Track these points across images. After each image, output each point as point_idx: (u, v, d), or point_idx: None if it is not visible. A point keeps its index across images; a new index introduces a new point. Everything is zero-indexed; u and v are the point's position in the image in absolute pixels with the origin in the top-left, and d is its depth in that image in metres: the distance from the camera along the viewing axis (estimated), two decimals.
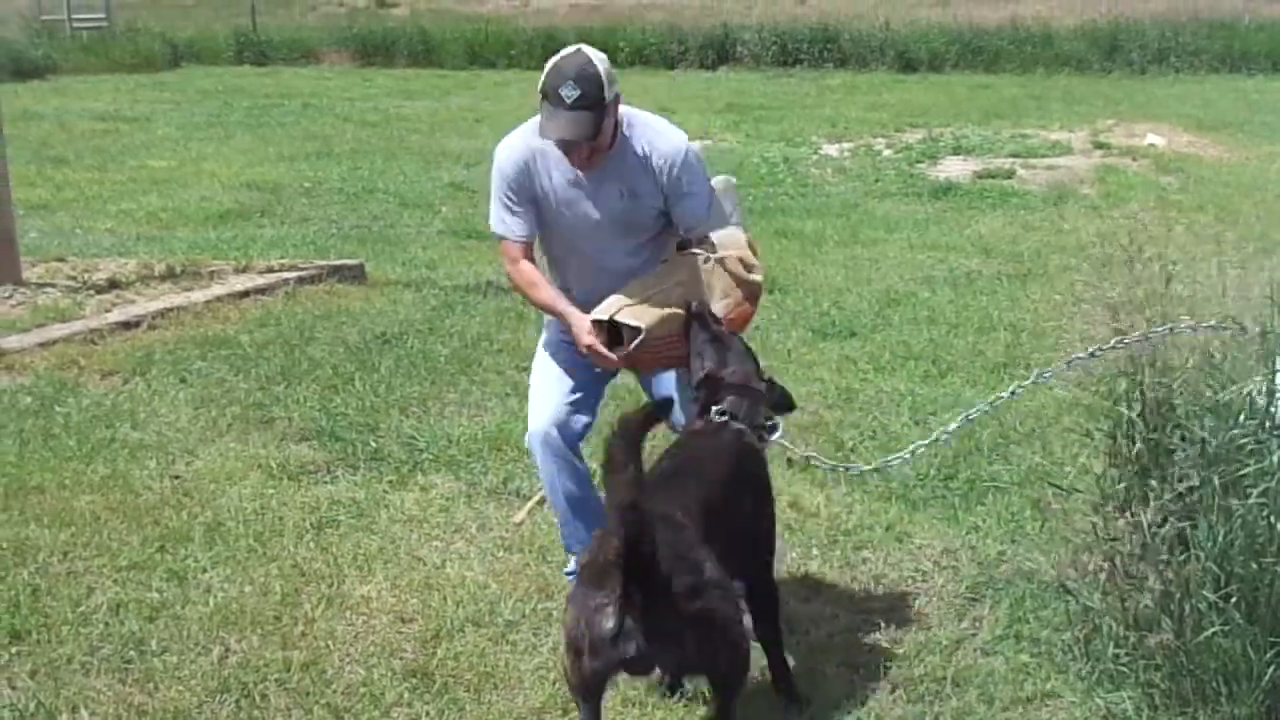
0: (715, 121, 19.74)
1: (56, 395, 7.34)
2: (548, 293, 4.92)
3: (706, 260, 4.83)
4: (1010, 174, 15.39)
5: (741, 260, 4.92)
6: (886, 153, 17.13)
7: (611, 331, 4.74)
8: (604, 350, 4.75)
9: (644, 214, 4.93)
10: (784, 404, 4.82)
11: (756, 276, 4.99)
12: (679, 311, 4.71)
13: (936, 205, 14.00)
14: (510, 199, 4.85)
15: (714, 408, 4.54)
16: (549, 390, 5.02)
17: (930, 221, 13.12)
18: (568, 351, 4.98)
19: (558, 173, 4.79)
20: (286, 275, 9.89)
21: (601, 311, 4.75)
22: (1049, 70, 26.95)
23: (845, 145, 17.73)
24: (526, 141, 4.81)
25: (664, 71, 28.55)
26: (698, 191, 4.95)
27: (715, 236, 4.94)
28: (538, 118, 4.70)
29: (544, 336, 5.18)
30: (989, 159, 16.51)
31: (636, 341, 4.67)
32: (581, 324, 4.76)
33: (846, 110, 21.15)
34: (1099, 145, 17.37)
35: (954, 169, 15.94)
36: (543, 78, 4.64)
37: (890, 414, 7.44)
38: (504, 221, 4.91)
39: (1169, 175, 15.34)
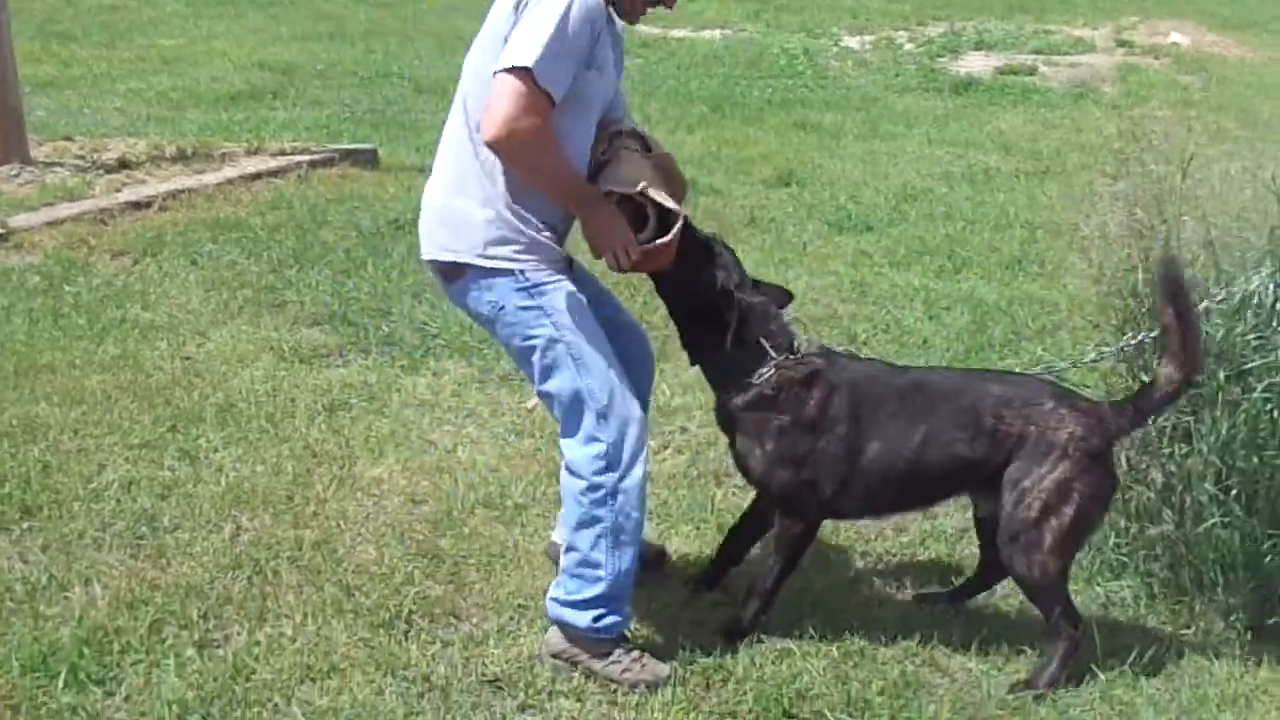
0: (735, 10, 19.52)
1: (66, 275, 7.34)
2: (565, 161, 3.87)
3: (647, 157, 4.08)
4: (1032, 70, 15.25)
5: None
6: (908, 46, 16.97)
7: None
8: (651, 243, 3.96)
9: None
10: (782, 300, 4.47)
11: (684, 174, 4.32)
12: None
13: (957, 101, 13.90)
14: (571, 53, 3.73)
15: (787, 339, 4.22)
16: (617, 369, 4.01)
17: (950, 117, 13.03)
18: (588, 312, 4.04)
19: (607, 32, 3.90)
20: (299, 158, 9.84)
21: (623, 185, 3.94)
22: None
23: (866, 38, 17.56)
24: None
25: None
26: None
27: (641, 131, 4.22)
28: None
29: (548, 288, 3.95)
30: (1011, 55, 16.37)
31: (674, 231, 3.97)
32: (612, 208, 3.92)
33: (868, 2, 20.89)
34: (1122, 43, 17.20)
35: (975, 64, 15.80)
36: None
37: (904, 308, 7.45)
38: (556, 75, 3.70)
39: (1191, 75, 15.19)
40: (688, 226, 4.08)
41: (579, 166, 3.93)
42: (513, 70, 3.67)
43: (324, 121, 11.79)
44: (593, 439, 3.91)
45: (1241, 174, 4.76)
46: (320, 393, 5.98)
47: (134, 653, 3.97)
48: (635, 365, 4.24)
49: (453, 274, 4.00)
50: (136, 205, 8.60)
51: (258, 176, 9.43)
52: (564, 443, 4.01)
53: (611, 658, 4.00)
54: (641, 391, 4.24)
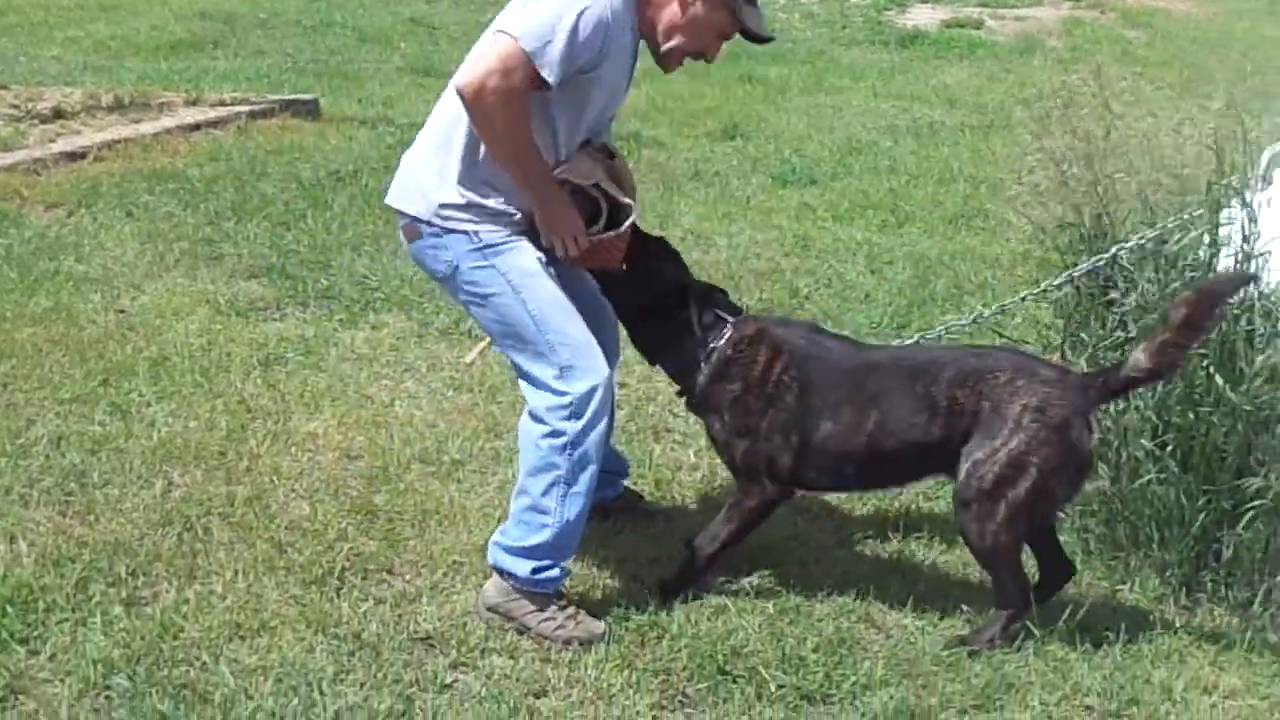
0: None
1: None
2: (532, 142, 3.85)
3: (612, 157, 4.14)
4: (979, 24, 15.25)
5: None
6: None
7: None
8: (602, 235, 4.00)
9: None
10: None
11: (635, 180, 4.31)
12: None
13: (903, 54, 13.90)
14: (573, 51, 3.72)
15: (720, 313, 4.25)
16: (580, 323, 3.99)
17: (896, 71, 13.02)
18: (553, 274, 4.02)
19: (617, 49, 3.87)
20: (239, 109, 9.72)
21: (580, 176, 3.98)
22: None
23: None
24: (620, 3, 3.85)
25: None
26: None
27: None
28: None
29: (502, 249, 3.94)
30: (958, 8, 16.36)
31: (627, 223, 4.02)
32: (566, 197, 3.94)
33: None
34: None
35: (922, 17, 15.78)
36: None
37: (847, 262, 7.44)
38: (547, 60, 3.69)
39: (1136, 29, 15.23)
40: (636, 229, 4.12)
41: (546, 155, 3.91)
42: (508, 32, 3.72)
43: (265, 71, 11.65)
44: (556, 391, 3.91)
45: (1179, 127, 4.75)
46: (256, 347, 5.91)
47: (59, 611, 3.90)
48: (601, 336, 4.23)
49: (411, 233, 4.03)
50: (71, 156, 8.48)
51: (196, 127, 9.32)
52: (527, 392, 4.01)
53: (546, 614, 3.98)
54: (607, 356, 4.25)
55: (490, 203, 3.92)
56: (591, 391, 3.90)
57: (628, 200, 4.01)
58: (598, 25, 3.75)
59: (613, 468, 4.67)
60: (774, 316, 4.38)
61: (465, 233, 3.91)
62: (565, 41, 3.71)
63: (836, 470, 4.17)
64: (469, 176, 3.91)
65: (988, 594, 4.18)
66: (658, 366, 4.42)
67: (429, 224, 3.95)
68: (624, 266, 4.17)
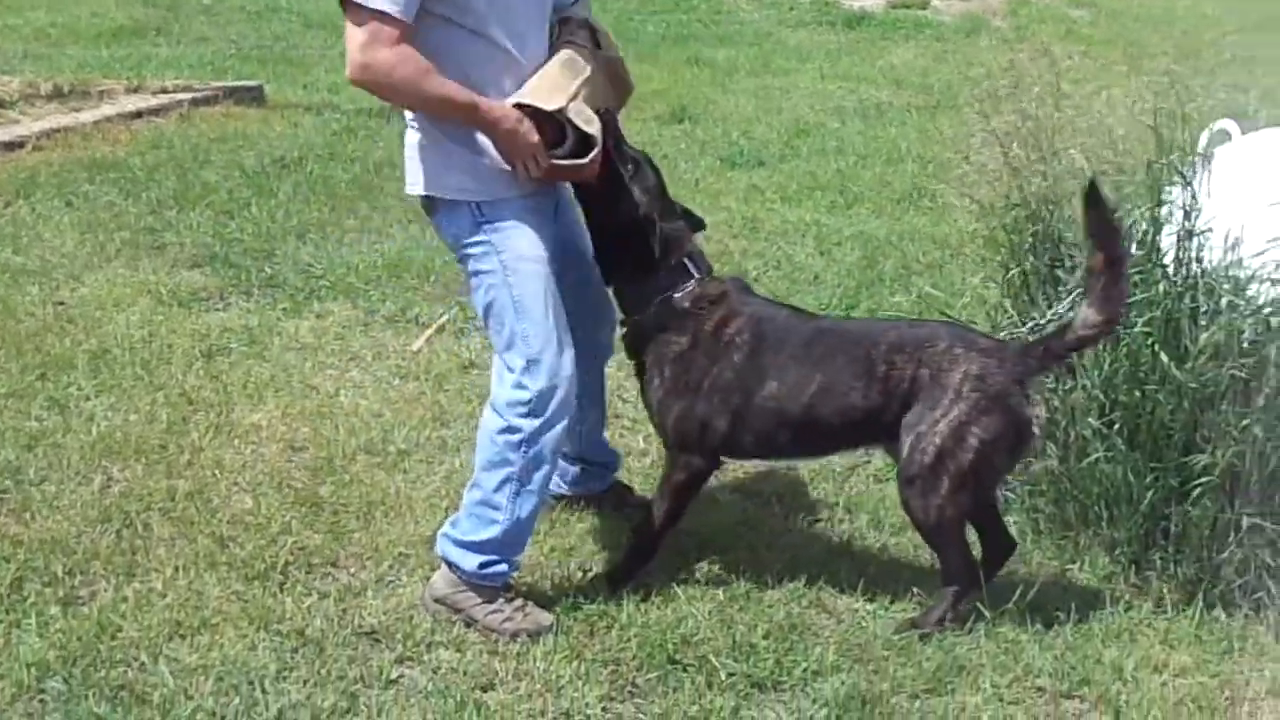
0: None
1: None
2: (445, 82, 3.69)
3: (596, 57, 3.96)
4: (924, 4, 15.27)
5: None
6: None
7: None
8: (561, 159, 3.84)
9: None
10: (697, 225, 4.39)
11: (631, 79, 4.25)
12: (599, 124, 3.91)
13: (849, 35, 13.88)
14: None
15: (707, 265, 4.20)
16: (559, 322, 3.95)
17: (842, 52, 13.02)
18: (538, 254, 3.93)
19: None
20: (181, 96, 9.62)
21: (541, 100, 3.77)
22: None
23: None
24: None
25: None
26: None
27: (597, 25, 4.08)
28: None
29: (501, 226, 3.88)
30: None
31: (591, 155, 3.86)
32: (514, 118, 3.74)
33: None
34: None
35: None
36: None
37: (795, 244, 7.42)
38: None
39: (1080, 8, 15.29)
40: (618, 142, 4.02)
41: (469, 67, 3.76)
42: (347, 6, 3.64)
43: (209, 58, 11.54)
44: (519, 385, 3.86)
45: (1121, 106, 4.74)
46: (199, 337, 5.84)
47: None
48: (590, 330, 4.23)
49: (429, 208, 4.01)
50: (9, 145, 8.37)
51: (138, 115, 9.21)
52: (493, 381, 3.98)
53: (493, 606, 3.93)
54: (592, 347, 4.28)
55: (481, 156, 3.81)
56: (552, 390, 3.86)
57: (591, 130, 3.83)
58: None
59: (602, 459, 4.66)
60: (738, 280, 4.28)
61: (467, 204, 3.86)
62: None
63: (772, 436, 4.09)
64: (448, 139, 3.83)
65: (938, 575, 4.16)
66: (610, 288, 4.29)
67: (431, 198, 3.94)
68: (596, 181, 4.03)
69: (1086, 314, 3.87)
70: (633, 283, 4.16)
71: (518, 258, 3.87)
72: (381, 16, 3.59)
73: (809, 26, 14.23)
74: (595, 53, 3.96)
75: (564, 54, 3.90)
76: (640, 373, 4.21)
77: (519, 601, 3.97)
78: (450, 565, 3.97)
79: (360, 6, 3.60)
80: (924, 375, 3.93)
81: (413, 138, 3.94)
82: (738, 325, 4.06)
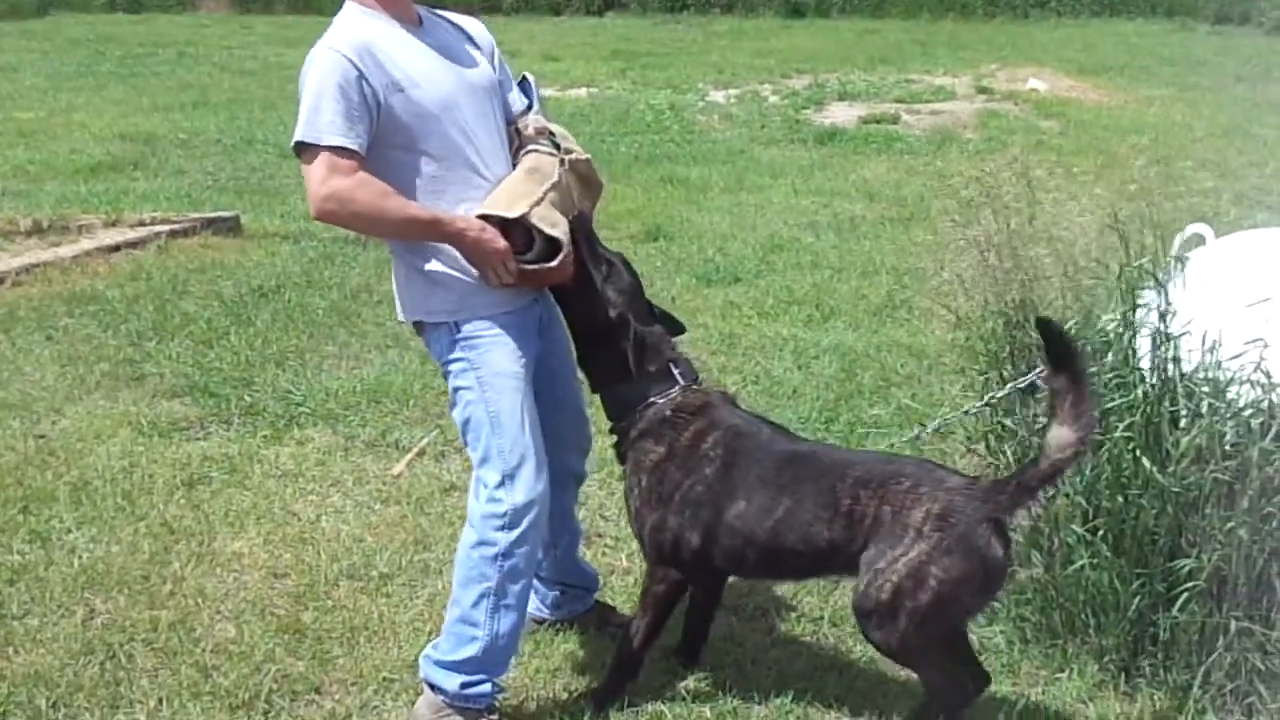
0: (601, 69, 19.65)
1: None
2: (407, 202, 3.79)
3: (563, 162, 4.02)
4: (895, 119, 15.46)
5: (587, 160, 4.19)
6: (773, 99, 17.13)
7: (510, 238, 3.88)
8: (532, 264, 3.88)
9: (500, 87, 4.13)
10: (676, 329, 4.36)
11: (602, 177, 4.31)
12: (566, 226, 3.96)
13: (822, 151, 14.03)
14: (354, 99, 3.70)
15: (676, 371, 4.14)
16: (535, 438, 3.97)
17: (815, 167, 13.15)
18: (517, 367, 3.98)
19: (402, 50, 3.83)
20: (159, 229, 9.66)
21: (502, 209, 3.85)
22: (934, 15, 27.19)
23: (732, 92, 17.71)
24: (351, 39, 3.77)
25: (549, 17, 28.40)
26: (511, 75, 4.26)
27: (554, 129, 4.15)
28: (338, 20, 3.87)
29: (478, 343, 3.95)
30: (874, 104, 16.59)
31: (560, 257, 3.89)
32: (477, 228, 3.82)
33: (733, 57, 21.12)
34: (982, 90, 17.54)
35: (839, 115, 15.98)
36: None
37: (773, 358, 7.45)
38: (347, 127, 3.68)
39: (1050, 119, 15.51)
40: (591, 243, 4.05)
41: (436, 192, 3.85)
42: (297, 148, 3.73)
43: (186, 190, 11.61)
44: (494, 499, 3.88)
45: (1092, 212, 4.80)
46: (179, 467, 5.83)
47: None
48: (563, 452, 4.25)
49: (418, 330, 4.07)
50: None
51: (116, 248, 9.24)
52: (470, 496, 4.00)
53: None
54: (565, 470, 4.30)
55: (458, 275, 3.88)
56: (529, 505, 3.88)
57: (556, 233, 3.86)
58: (345, 69, 3.70)
59: (580, 582, 4.65)
60: (724, 392, 4.26)
61: (446, 324, 3.93)
62: (335, 107, 3.68)
63: (739, 554, 4.03)
64: (424, 263, 3.90)
65: (916, 692, 4.13)
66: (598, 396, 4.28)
67: (417, 324, 4.02)
68: (571, 284, 4.05)
69: (1058, 434, 3.73)
70: (615, 388, 4.15)
71: (495, 374, 3.91)
72: (336, 151, 3.69)
73: (781, 144, 14.40)
74: (559, 156, 4.02)
75: (528, 161, 3.99)
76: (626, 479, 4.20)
77: None
78: (433, 688, 3.96)
79: (314, 146, 3.68)
80: (885, 513, 3.80)
81: (397, 268, 4.02)
82: (714, 439, 4.04)
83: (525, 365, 3.97)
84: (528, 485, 3.89)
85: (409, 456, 5.96)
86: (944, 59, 20.49)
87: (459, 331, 3.92)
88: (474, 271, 3.87)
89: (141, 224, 9.81)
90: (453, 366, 3.96)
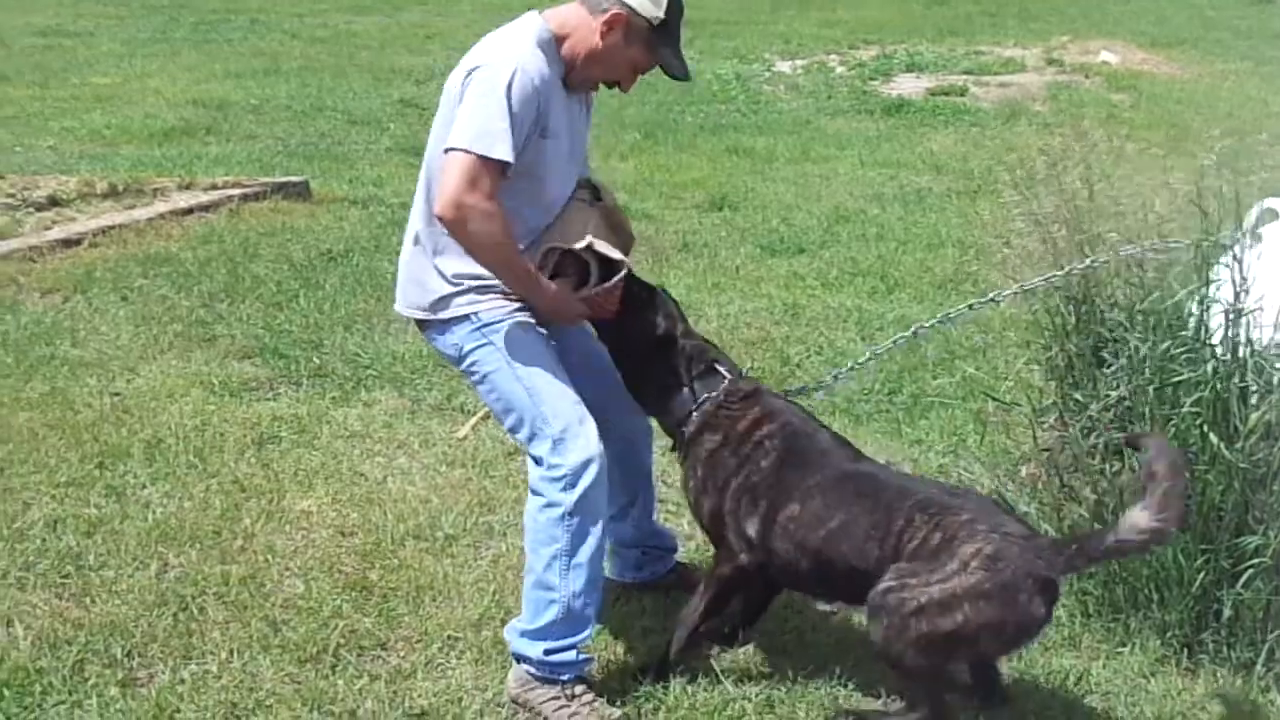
0: None
1: None
2: (516, 250, 3.95)
3: (593, 205, 4.20)
4: (963, 91, 15.36)
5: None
6: (840, 70, 17.06)
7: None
8: (596, 290, 4.04)
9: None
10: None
11: (630, 227, 4.48)
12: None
13: (888, 122, 13.98)
14: (518, 123, 3.82)
15: (722, 368, 4.22)
16: (573, 398, 4.03)
17: (882, 139, 13.10)
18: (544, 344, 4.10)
19: (557, 98, 3.98)
20: (231, 192, 9.76)
21: (567, 239, 4.04)
22: None
23: (798, 62, 17.64)
24: (538, 62, 3.91)
25: None
26: None
27: (594, 180, 4.35)
28: (524, 33, 3.98)
29: (500, 326, 4.02)
30: (942, 76, 16.48)
31: (619, 277, 4.05)
32: (562, 294, 4.04)
33: (800, 27, 21.00)
34: (1052, 62, 17.36)
35: (907, 86, 15.90)
36: (665, 3, 4.02)
37: (836, 330, 7.46)
38: (502, 146, 3.79)
39: (1122, 93, 15.35)
40: (631, 276, 4.16)
41: (527, 238, 4.01)
42: (457, 148, 3.79)
43: (257, 155, 11.71)
44: (551, 465, 3.93)
45: (1162, 187, 4.77)
46: (249, 426, 5.92)
47: (56, 693, 3.91)
48: (622, 413, 4.31)
49: (422, 327, 4.18)
50: (66, 242, 8.49)
51: (189, 211, 9.34)
52: (529, 468, 4.05)
53: (561, 701, 3.94)
54: (632, 430, 4.41)
55: (484, 276, 3.98)
56: (586, 463, 3.92)
57: (619, 256, 4.03)
58: (526, 91, 3.83)
59: (660, 543, 4.71)
60: (774, 390, 4.33)
61: (466, 317, 4.00)
62: (506, 123, 3.80)
63: (794, 561, 4.00)
64: (454, 263, 3.99)
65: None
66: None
67: (431, 322, 4.08)
68: (616, 314, 4.19)
69: (1138, 518, 3.59)
70: (669, 402, 4.24)
71: (520, 348, 3.98)
72: (494, 164, 3.79)
73: (847, 114, 14.35)
74: (596, 205, 4.17)
75: (573, 204, 4.14)
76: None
77: (589, 696, 3.98)
78: (520, 659, 4.01)
79: (479, 159, 3.77)
80: (936, 538, 3.73)
81: (416, 264, 4.11)
82: (769, 429, 4.08)
83: (545, 336, 4.05)
84: (579, 445, 3.93)
85: (474, 420, 5.99)
86: (1014, 30, 20.28)
87: (479, 319, 4.00)
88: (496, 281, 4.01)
89: (214, 188, 9.92)
90: (478, 354, 4.01)
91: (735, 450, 4.08)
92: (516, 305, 4.02)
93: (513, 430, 4.07)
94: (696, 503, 4.18)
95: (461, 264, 3.98)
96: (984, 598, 3.63)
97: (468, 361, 4.05)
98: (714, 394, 4.17)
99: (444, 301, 4.03)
